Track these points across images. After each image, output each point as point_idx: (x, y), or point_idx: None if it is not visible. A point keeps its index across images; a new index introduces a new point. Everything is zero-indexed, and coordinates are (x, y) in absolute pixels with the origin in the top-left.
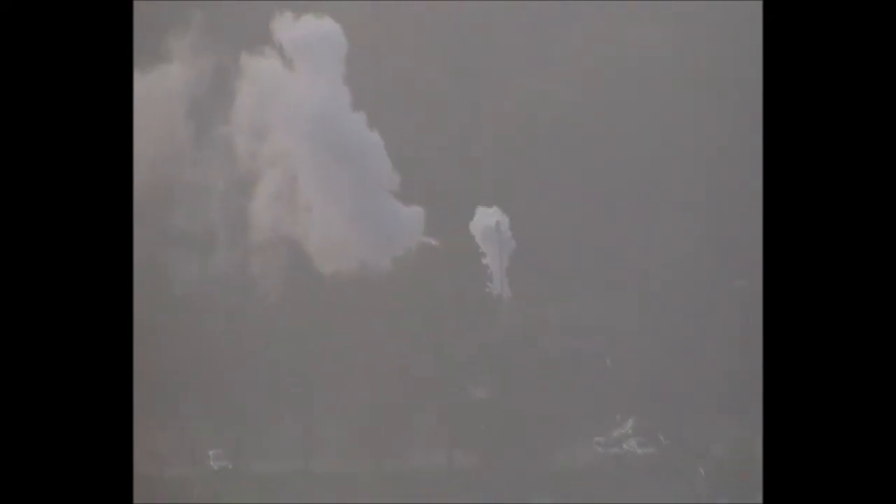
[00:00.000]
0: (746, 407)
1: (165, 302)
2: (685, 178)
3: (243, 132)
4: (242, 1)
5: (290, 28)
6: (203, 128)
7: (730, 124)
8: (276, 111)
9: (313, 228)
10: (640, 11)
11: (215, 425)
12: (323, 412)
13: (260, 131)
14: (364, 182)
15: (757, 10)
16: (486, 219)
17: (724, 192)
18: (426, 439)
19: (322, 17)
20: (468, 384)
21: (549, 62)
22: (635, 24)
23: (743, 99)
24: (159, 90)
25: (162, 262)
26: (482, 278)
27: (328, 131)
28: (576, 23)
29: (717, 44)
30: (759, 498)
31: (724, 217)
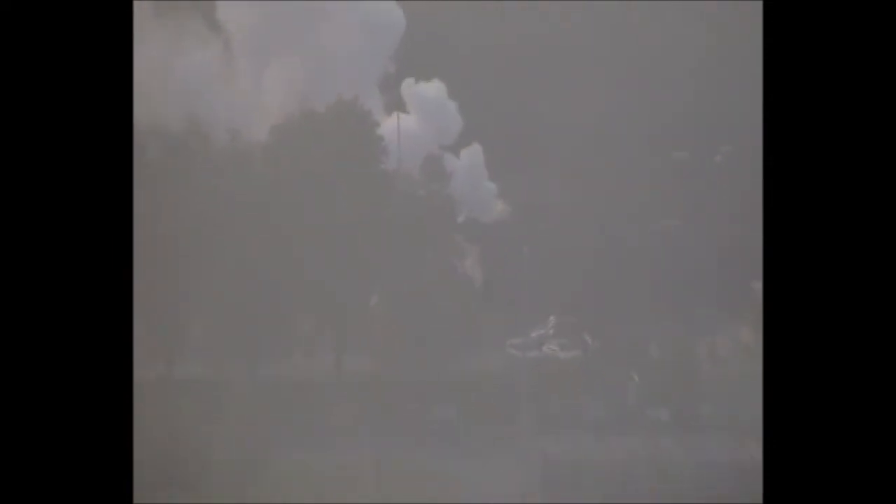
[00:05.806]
0: (684, 302)
1: None
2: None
3: None
4: None
5: None
6: None
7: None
8: None
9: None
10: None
11: None
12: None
13: None
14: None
15: (757, 9)
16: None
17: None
18: (309, 342)
19: None
20: (357, 276)
21: None
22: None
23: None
24: None
25: None
26: (375, 152)
27: None
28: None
29: (717, 43)
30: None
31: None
